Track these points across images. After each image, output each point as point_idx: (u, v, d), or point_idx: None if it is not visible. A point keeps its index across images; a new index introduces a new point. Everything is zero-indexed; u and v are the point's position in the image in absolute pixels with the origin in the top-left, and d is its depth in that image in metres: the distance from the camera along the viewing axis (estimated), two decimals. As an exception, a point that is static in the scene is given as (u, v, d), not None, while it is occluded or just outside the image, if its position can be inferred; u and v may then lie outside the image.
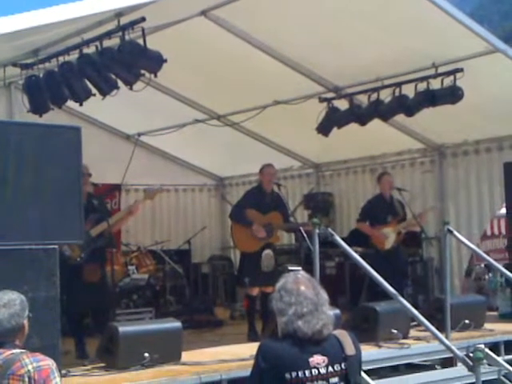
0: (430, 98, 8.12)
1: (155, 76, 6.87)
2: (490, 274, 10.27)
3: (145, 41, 6.56)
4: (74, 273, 6.74)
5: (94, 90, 6.96)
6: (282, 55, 8.47)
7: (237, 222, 8.02)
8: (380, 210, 8.97)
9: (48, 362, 3.33)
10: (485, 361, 5.87)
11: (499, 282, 9.28)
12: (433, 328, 5.86)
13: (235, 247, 8.39)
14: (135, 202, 7.53)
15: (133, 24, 6.48)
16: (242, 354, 6.12)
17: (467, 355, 5.25)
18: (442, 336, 6.00)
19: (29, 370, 3.25)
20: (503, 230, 11.84)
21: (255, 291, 7.84)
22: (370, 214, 9.03)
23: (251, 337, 7.57)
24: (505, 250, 10.34)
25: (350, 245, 6.42)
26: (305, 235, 7.38)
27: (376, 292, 7.18)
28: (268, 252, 7.89)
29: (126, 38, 6.57)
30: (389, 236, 8.81)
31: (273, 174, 8.15)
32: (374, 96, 8.58)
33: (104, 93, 6.92)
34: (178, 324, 6.29)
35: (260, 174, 8.17)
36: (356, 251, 6.62)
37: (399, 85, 8.35)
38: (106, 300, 7.24)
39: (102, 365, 5.99)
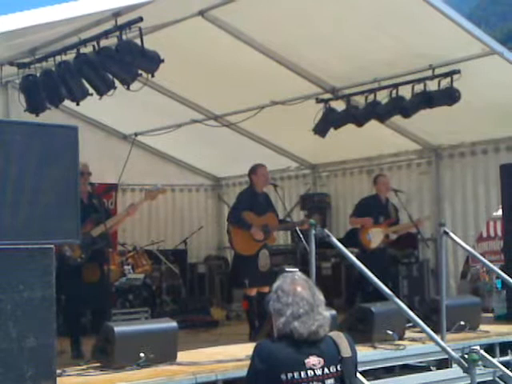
0: (427, 100, 8.13)
1: (152, 76, 6.87)
2: (486, 276, 10.29)
3: (142, 41, 6.55)
4: (74, 273, 6.76)
5: (91, 90, 6.96)
6: (280, 56, 8.47)
7: (235, 225, 7.98)
8: (373, 209, 9.04)
9: None
10: (480, 362, 5.89)
11: (494, 284, 9.30)
12: (428, 329, 5.87)
13: (233, 250, 8.35)
14: (131, 205, 7.48)
15: (130, 24, 6.48)
16: (237, 354, 6.13)
17: (462, 357, 5.27)
18: (437, 337, 6.01)
19: None
20: (499, 232, 11.85)
21: (253, 291, 7.83)
22: (363, 211, 9.07)
23: (253, 337, 7.52)
24: (500, 252, 10.35)
25: (345, 246, 6.43)
26: (301, 236, 7.39)
27: (372, 293, 7.19)
28: (264, 251, 7.92)
29: (124, 37, 6.56)
30: (376, 236, 8.85)
31: (267, 174, 8.13)
32: (371, 97, 8.59)
33: (101, 92, 6.91)
34: (173, 324, 6.29)
35: (253, 174, 8.03)
36: (352, 252, 6.62)
37: (396, 86, 8.36)
38: (106, 300, 7.23)
39: (98, 365, 5.98)
